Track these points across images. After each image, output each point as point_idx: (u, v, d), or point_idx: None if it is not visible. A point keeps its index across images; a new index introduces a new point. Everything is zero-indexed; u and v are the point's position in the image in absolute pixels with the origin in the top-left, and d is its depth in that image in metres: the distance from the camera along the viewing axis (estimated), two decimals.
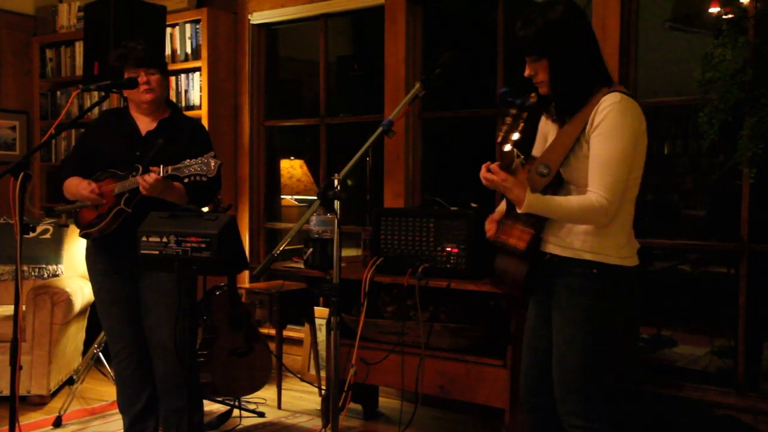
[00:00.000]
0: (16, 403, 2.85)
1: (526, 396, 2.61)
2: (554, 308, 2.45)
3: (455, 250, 3.36)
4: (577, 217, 2.33)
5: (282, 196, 5.58)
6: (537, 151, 2.60)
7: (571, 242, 2.38)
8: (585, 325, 2.38)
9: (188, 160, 2.88)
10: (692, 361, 4.05)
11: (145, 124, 3.20)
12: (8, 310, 4.23)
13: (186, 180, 2.88)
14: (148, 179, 2.91)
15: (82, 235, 3.21)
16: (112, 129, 3.23)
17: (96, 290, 3.28)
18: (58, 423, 3.90)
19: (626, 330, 2.53)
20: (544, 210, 2.31)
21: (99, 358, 4.28)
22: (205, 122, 4.84)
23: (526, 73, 2.40)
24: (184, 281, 2.95)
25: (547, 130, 2.57)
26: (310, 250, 3.75)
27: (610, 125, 2.29)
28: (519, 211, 2.31)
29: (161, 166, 2.92)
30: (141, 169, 3.01)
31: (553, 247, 2.42)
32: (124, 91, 3.17)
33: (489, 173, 2.28)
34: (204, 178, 2.86)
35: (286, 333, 4.58)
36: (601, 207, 2.28)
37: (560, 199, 2.33)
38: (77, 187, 3.11)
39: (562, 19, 2.34)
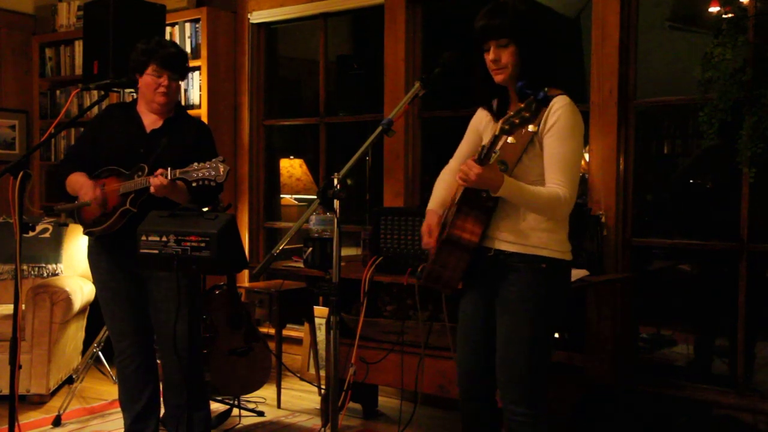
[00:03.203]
0: (16, 402, 2.85)
1: (465, 385, 2.68)
2: (500, 302, 2.52)
3: None
4: (544, 206, 2.41)
5: (281, 196, 5.58)
6: (468, 144, 2.71)
7: (523, 238, 2.46)
8: (534, 317, 2.47)
9: (197, 164, 2.88)
10: (691, 361, 4.06)
11: (150, 122, 3.20)
12: (8, 309, 4.23)
13: (194, 184, 2.88)
14: (155, 182, 2.91)
15: (86, 233, 3.21)
16: (117, 123, 3.22)
17: (99, 288, 3.28)
18: (57, 422, 3.90)
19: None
20: (518, 194, 2.37)
21: (98, 357, 4.28)
22: (204, 121, 4.83)
23: (491, 57, 2.46)
24: (190, 280, 2.95)
25: (482, 125, 2.66)
26: (310, 249, 3.75)
27: (565, 126, 2.40)
28: (494, 194, 2.35)
29: (168, 168, 2.92)
30: (147, 169, 3.01)
31: (501, 243, 2.49)
32: (138, 85, 3.17)
33: (467, 167, 2.32)
34: (213, 183, 2.86)
35: (285, 332, 4.58)
36: (566, 200, 2.39)
37: (531, 187, 2.40)
38: (82, 187, 3.10)
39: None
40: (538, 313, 2.47)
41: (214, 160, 2.87)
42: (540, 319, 2.48)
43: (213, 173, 2.85)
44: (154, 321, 3.20)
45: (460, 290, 2.69)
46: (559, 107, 2.41)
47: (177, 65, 3.13)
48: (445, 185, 2.73)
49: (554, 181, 2.40)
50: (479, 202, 2.44)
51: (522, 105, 2.17)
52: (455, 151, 2.79)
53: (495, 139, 2.27)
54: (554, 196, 2.38)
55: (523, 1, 2.51)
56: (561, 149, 2.40)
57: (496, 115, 2.59)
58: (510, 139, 2.25)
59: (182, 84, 5.00)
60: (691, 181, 4.17)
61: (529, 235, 2.46)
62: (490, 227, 2.48)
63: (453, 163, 2.77)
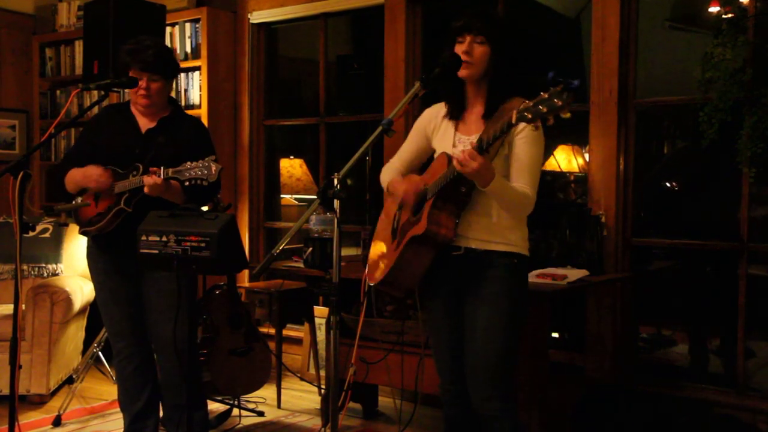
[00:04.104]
0: (16, 402, 2.85)
1: (447, 386, 2.71)
2: (475, 299, 2.53)
3: None
4: (518, 205, 2.48)
5: (282, 196, 5.58)
6: (412, 145, 2.74)
7: (496, 236, 2.51)
8: (509, 312, 2.51)
9: (189, 163, 2.87)
10: (690, 360, 4.06)
11: (145, 122, 3.19)
12: (8, 309, 4.22)
13: (186, 183, 2.88)
14: (149, 180, 2.91)
15: (82, 233, 3.22)
16: (113, 125, 3.22)
17: (97, 289, 3.28)
18: (57, 422, 3.90)
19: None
20: (502, 191, 2.41)
21: (98, 357, 4.28)
22: (204, 121, 4.83)
23: (463, 48, 2.49)
24: (185, 279, 2.95)
25: (431, 127, 2.68)
26: (310, 249, 3.75)
27: (533, 131, 2.42)
28: (483, 189, 2.37)
29: (162, 168, 2.91)
30: (141, 168, 3.01)
31: (473, 241, 2.52)
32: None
33: (468, 155, 2.30)
34: (205, 183, 2.86)
35: (285, 332, 4.58)
36: (532, 200, 2.48)
37: (510, 183, 2.46)
38: (85, 169, 3.08)
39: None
40: (514, 308, 2.52)
41: (206, 159, 2.85)
42: (515, 312, 2.52)
43: (205, 172, 2.84)
44: (149, 322, 3.20)
45: (421, 293, 2.70)
46: None
47: (156, 66, 3.09)
48: (395, 175, 2.74)
49: (521, 182, 2.46)
50: (457, 196, 2.46)
51: (545, 95, 2.10)
52: (398, 151, 2.82)
53: (507, 127, 2.23)
54: (525, 196, 2.46)
55: (502, 14, 2.56)
56: (530, 153, 2.47)
57: (451, 114, 2.61)
58: (530, 127, 2.20)
59: (182, 83, 5.04)
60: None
61: (502, 233, 2.51)
62: (461, 225, 2.50)
63: (395, 164, 2.80)
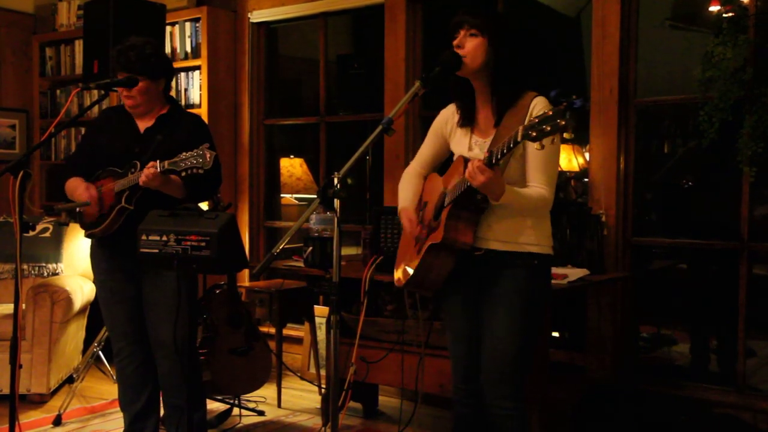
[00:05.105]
0: (16, 402, 2.85)
1: (461, 385, 2.69)
2: (493, 297, 2.52)
3: None
4: (532, 207, 2.46)
5: (282, 195, 5.58)
6: (430, 148, 2.73)
7: (516, 237, 2.48)
8: (527, 313, 2.50)
9: (183, 153, 2.86)
10: (691, 360, 4.06)
11: (143, 121, 3.20)
12: (8, 308, 4.22)
13: (183, 174, 2.87)
14: (146, 172, 2.91)
15: (87, 235, 3.22)
16: (112, 127, 3.23)
17: (99, 288, 3.29)
18: (58, 421, 3.90)
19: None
20: (515, 200, 2.39)
21: (99, 356, 4.28)
22: (200, 116, 4.83)
23: (455, 42, 2.48)
24: (185, 279, 2.95)
25: (447, 129, 2.67)
26: (310, 248, 3.75)
27: None
28: (496, 202, 2.35)
29: (158, 161, 2.91)
30: (139, 166, 3.01)
31: (492, 242, 2.49)
32: (119, 89, 3.17)
33: (477, 169, 2.25)
34: (200, 171, 2.83)
35: (285, 331, 4.58)
36: (549, 201, 2.47)
37: (523, 191, 2.43)
38: (76, 190, 3.11)
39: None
40: (532, 310, 2.51)
41: (201, 147, 2.83)
42: (532, 313, 2.51)
43: (200, 160, 2.81)
44: (147, 322, 3.20)
45: (440, 291, 2.69)
46: (543, 108, 2.41)
47: (136, 67, 3.07)
48: (411, 187, 2.75)
49: (537, 182, 2.44)
50: (474, 203, 2.43)
51: (550, 113, 2.05)
52: (416, 154, 2.80)
53: (513, 143, 2.18)
54: (540, 199, 2.44)
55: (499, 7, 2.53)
56: (544, 151, 2.35)
57: (462, 122, 2.60)
58: (536, 146, 2.13)
59: (182, 83, 5.04)
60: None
61: (521, 234, 2.48)
62: (481, 228, 2.48)
63: (415, 166, 2.79)
